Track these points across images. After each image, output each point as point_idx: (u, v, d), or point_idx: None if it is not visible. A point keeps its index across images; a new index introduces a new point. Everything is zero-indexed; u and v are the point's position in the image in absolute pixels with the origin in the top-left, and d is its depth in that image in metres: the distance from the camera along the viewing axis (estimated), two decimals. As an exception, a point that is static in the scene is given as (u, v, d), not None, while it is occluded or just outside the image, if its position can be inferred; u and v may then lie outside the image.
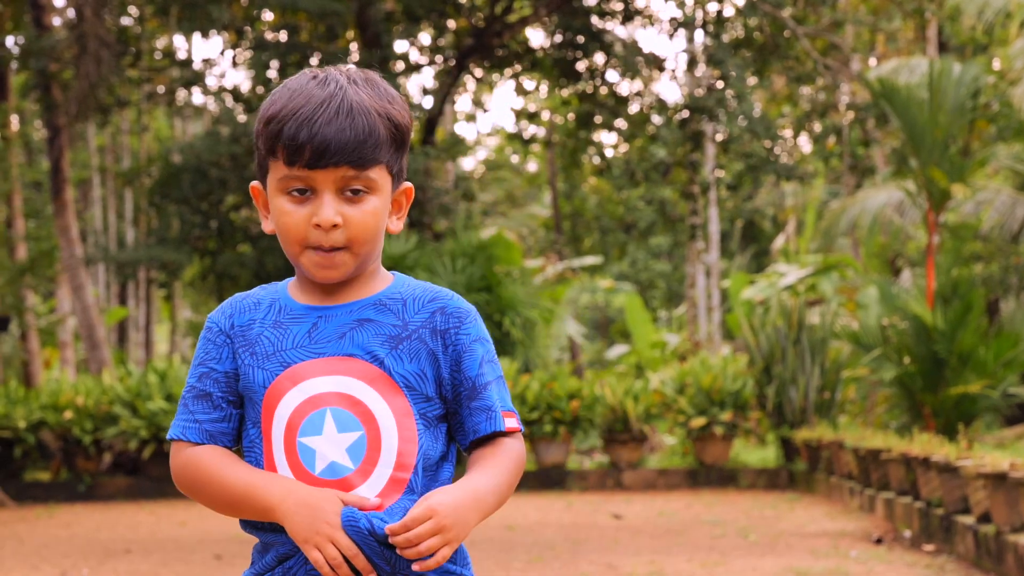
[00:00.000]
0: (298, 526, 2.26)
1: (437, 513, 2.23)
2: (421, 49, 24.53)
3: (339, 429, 2.32)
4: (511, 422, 2.40)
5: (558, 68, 23.49)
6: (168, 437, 2.42)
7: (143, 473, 17.99)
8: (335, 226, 2.28)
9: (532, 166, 46.01)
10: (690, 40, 24.22)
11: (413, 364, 2.35)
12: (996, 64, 26.13)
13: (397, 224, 2.41)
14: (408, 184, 2.40)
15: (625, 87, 23.95)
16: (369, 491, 2.32)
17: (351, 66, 2.36)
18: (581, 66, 23.36)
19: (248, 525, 2.40)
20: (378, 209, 2.32)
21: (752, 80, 23.93)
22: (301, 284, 2.41)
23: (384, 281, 2.41)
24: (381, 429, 2.32)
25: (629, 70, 22.56)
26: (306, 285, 2.39)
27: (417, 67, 24.24)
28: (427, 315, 2.37)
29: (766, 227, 42.74)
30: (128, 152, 33.93)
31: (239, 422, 2.41)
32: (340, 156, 2.26)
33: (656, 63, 23.11)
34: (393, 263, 19.22)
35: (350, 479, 2.32)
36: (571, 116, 26.40)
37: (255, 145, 2.36)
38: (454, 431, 2.42)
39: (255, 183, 2.39)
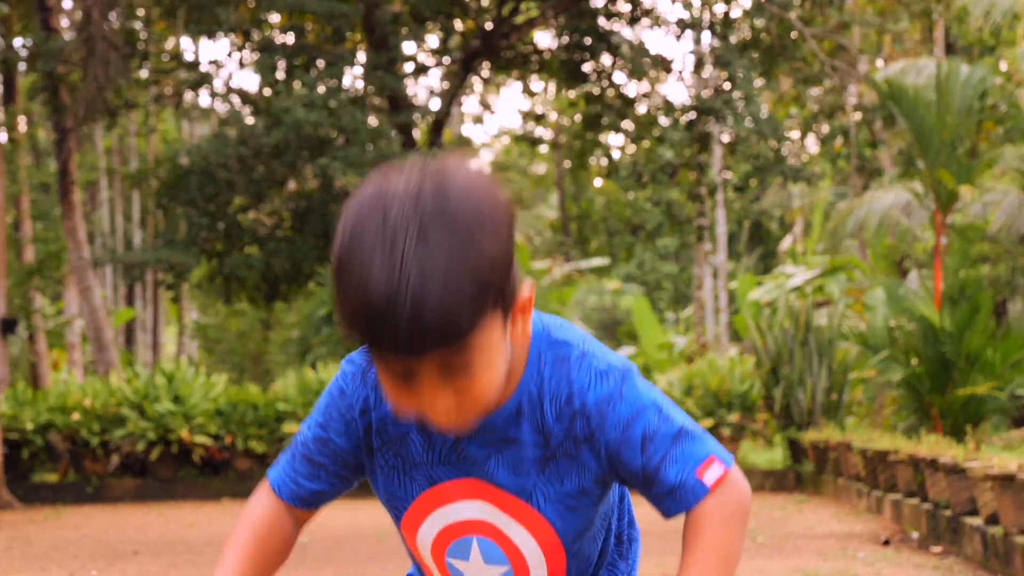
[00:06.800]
0: None
1: None
2: (428, 51, 24.56)
3: (486, 560, 2.13)
4: (712, 473, 2.04)
5: (565, 70, 23.51)
6: (267, 477, 2.23)
7: (151, 475, 18.02)
8: (450, 417, 1.96)
9: (539, 168, 46.04)
10: (697, 41, 24.22)
11: (566, 483, 2.09)
12: (1003, 65, 26.12)
13: (524, 327, 2.00)
14: (525, 292, 1.96)
15: (632, 88, 23.97)
16: None
17: (421, 185, 1.87)
18: (588, 68, 23.37)
19: None
20: (492, 365, 1.93)
21: (759, 81, 23.93)
22: None
23: (520, 362, 2.06)
24: (529, 566, 2.13)
25: (636, 71, 22.58)
26: None
27: (424, 69, 24.26)
28: (567, 422, 2.05)
29: (773, 228, 42.75)
30: (135, 154, 33.98)
31: (340, 485, 2.21)
32: (423, 347, 1.84)
33: (663, 65, 23.12)
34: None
35: None
36: (578, 118, 26.42)
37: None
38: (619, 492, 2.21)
39: None
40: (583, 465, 2.07)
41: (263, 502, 2.22)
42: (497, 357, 1.93)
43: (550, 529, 2.10)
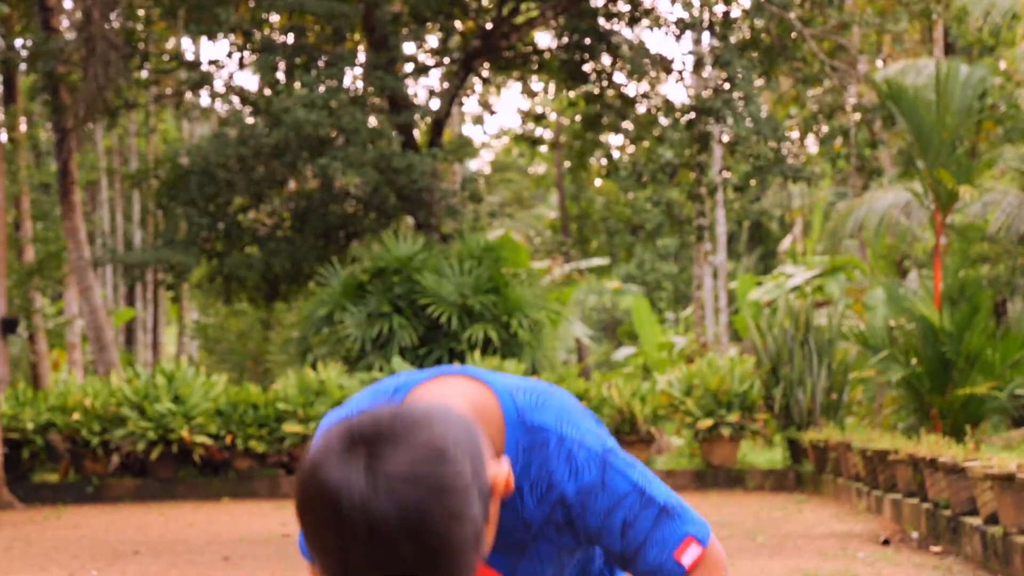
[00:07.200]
0: None
1: None
2: (428, 51, 24.56)
3: None
4: (689, 555, 2.06)
5: (565, 70, 23.51)
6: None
7: (151, 474, 18.03)
8: None
9: (539, 168, 46.05)
10: (697, 42, 24.22)
11: (544, 565, 2.09)
12: (1002, 65, 26.13)
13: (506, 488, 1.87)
14: (501, 471, 1.85)
15: (632, 89, 23.96)
16: None
17: (367, 483, 1.67)
18: (588, 68, 23.36)
19: None
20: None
21: (759, 81, 23.92)
22: None
23: (498, 450, 2.01)
24: None
25: (636, 72, 22.57)
26: None
27: (424, 69, 24.26)
28: (547, 509, 2.05)
29: (773, 228, 42.75)
30: (136, 154, 33.99)
31: None
32: None
33: (663, 65, 23.11)
34: (400, 264, 19.25)
35: None
36: (578, 118, 26.41)
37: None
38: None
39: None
40: (562, 546, 2.07)
41: None
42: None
43: None
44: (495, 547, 2.06)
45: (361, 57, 22.70)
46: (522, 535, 2.06)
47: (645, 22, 23.36)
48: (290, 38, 22.27)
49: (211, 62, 22.96)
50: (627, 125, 24.46)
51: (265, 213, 23.18)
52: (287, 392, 17.92)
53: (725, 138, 24.64)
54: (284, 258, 21.63)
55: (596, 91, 23.81)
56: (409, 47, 23.95)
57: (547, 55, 24.28)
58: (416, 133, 23.06)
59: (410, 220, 22.83)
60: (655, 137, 24.46)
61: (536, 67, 24.80)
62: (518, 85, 26.39)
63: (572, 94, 24.97)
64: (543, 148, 38.42)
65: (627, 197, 36.65)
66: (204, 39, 23.97)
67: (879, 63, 30.78)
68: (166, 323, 40.72)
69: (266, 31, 23.11)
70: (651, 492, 2.06)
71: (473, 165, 41.94)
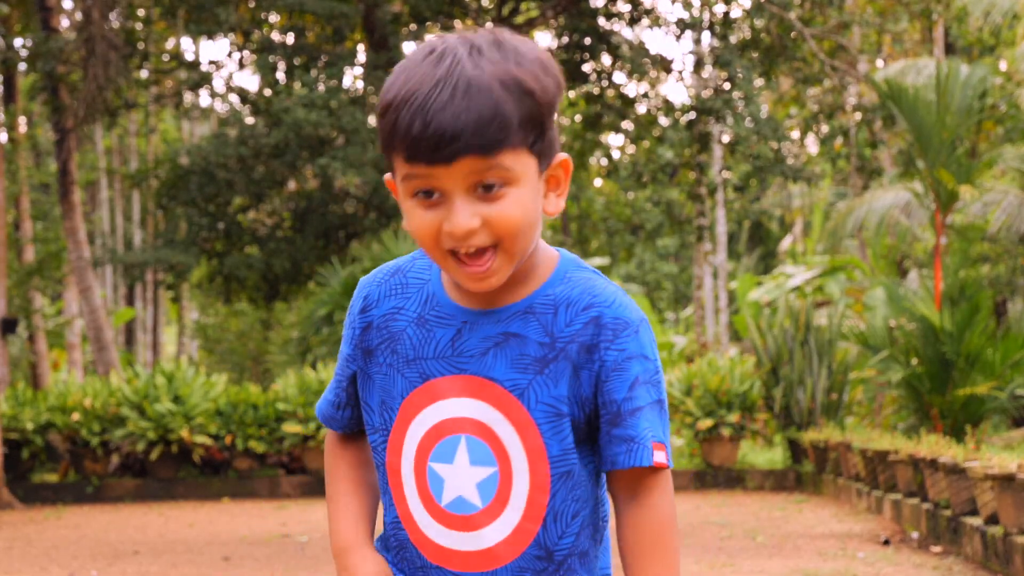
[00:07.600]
0: None
1: None
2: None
3: (472, 461, 2.10)
4: (660, 456, 2.08)
5: (565, 70, 23.50)
6: (319, 416, 2.31)
7: (151, 475, 18.02)
8: (472, 231, 1.97)
9: (539, 168, 46.03)
10: (697, 42, 24.23)
11: (559, 388, 2.08)
12: (1003, 65, 26.13)
13: (556, 203, 2.06)
14: (563, 156, 2.04)
15: (632, 89, 23.96)
16: (495, 535, 2.11)
17: (477, 32, 2.02)
18: (588, 67, 23.37)
19: None
20: (523, 198, 1.98)
21: (759, 81, 23.93)
22: None
23: (543, 272, 2.11)
24: (514, 471, 2.10)
25: (636, 72, 22.58)
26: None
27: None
28: (579, 327, 2.07)
29: (773, 228, 42.75)
30: (136, 154, 33.99)
31: (353, 415, 2.25)
32: (461, 144, 1.91)
33: (663, 65, 23.11)
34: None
35: (476, 518, 2.11)
36: (578, 118, 26.41)
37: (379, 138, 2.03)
38: (597, 453, 2.15)
39: (389, 176, 2.07)
40: (575, 369, 2.07)
41: (327, 439, 2.31)
42: (527, 197, 1.99)
43: (537, 433, 2.08)
44: (512, 361, 2.09)
45: (361, 57, 22.71)
46: (547, 350, 2.08)
47: (645, 22, 23.37)
48: (290, 38, 22.29)
49: (211, 62, 22.97)
50: (627, 125, 24.47)
51: (265, 213, 23.19)
52: (287, 392, 17.91)
53: (725, 138, 24.65)
54: (284, 258, 21.64)
55: (596, 91, 23.81)
56: (409, 47, 23.95)
57: (547, 55, 24.27)
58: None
59: (410, 220, 22.84)
60: (655, 137, 24.46)
61: (536, 67, 24.77)
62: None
63: (572, 94, 24.97)
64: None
65: (627, 197, 36.68)
66: (204, 39, 23.97)
67: (879, 63, 30.79)
68: (166, 323, 40.73)
69: (266, 31, 23.12)
70: (661, 378, 2.11)
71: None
